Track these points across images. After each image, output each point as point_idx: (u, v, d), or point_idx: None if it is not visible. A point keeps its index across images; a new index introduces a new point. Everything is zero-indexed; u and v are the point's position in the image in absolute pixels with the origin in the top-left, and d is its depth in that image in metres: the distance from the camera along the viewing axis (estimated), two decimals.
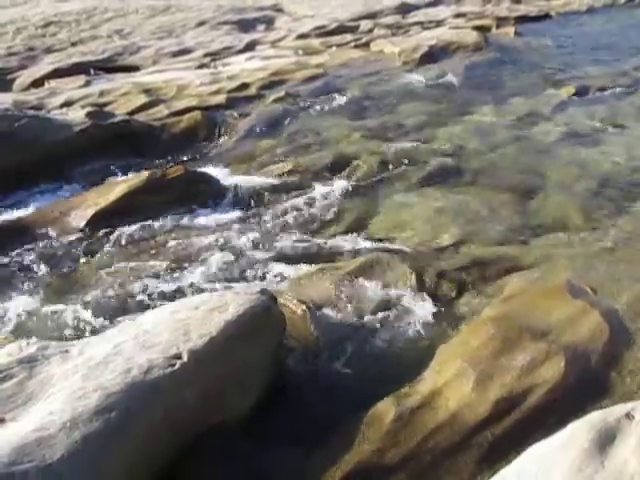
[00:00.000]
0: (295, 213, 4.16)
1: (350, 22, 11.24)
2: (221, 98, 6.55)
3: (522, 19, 11.12)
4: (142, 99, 6.50)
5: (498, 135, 5.48)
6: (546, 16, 11.63)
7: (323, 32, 10.51)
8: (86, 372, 2.03)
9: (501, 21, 10.63)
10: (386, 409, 2.22)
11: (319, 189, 4.48)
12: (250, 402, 2.25)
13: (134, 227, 3.95)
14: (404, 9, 12.36)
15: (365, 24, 10.99)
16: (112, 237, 3.86)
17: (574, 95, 6.53)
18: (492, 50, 8.48)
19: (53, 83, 7.77)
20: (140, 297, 3.20)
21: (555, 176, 4.55)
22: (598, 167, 4.70)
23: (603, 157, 4.90)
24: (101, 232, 3.90)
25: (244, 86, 7.00)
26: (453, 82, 7.20)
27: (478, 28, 9.55)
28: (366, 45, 9.22)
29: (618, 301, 2.72)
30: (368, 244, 3.67)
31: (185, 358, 2.11)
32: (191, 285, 3.29)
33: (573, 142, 5.29)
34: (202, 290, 3.20)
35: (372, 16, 11.79)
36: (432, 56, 8.14)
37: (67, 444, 1.76)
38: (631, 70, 7.44)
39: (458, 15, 11.45)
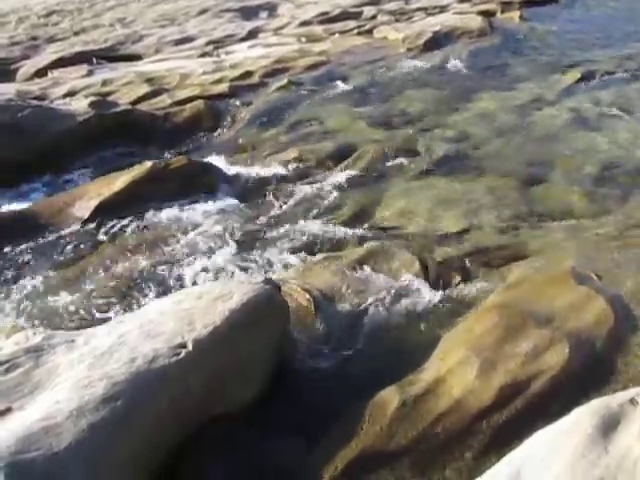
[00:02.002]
0: (298, 202, 4.15)
1: (353, 8, 11.12)
2: (224, 87, 6.51)
3: (527, 3, 10.94)
4: (145, 88, 6.48)
5: (503, 122, 5.44)
6: (552, 0, 11.47)
7: (326, 19, 10.41)
8: (92, 361, 2.05)
9: (506, 5, 10.48)
10: (390, 397, 2.22)
11: (323, 178, 4.47)
12: (253, 391, 2.27)
13: (138, 217, 3.95)
14: None
15: (368, 10, 10.88)
16: (116, 227, 3.86)
17: (580, 80, 6.45)
18: (497, 35, 8.39)
19: (56, 73, 7.75)
20: (144, 287, 3.22)
21: (560, 162, 4.52)
22: (604, 153, 4.67)
23: (609, 143, 4.86)
24: (105, 223, 3.91)
25: (247, 74, 6.96)
26: (457, 68, 7.14)
27: (483, 13, 9.43)
28: (369, 32, 9.13)
29: (623, 287, 2.71)
30: (372, 232, 3.66)
31: (190, 347, 2.12)
32: (194, 275, 3.30)
33: (578, 128, 5.24)
34: (206, 279, 3.21)
35: (375, 2, 11.65)
36: (436, 42, 8.06)
37: (74, 433, 1.77)
38: (638, 54, 7.34)
39: (462, 0, 11.31)
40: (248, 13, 11.46)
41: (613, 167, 4.41)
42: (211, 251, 3.53)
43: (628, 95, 6.01)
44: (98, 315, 2.97)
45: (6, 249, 3.70)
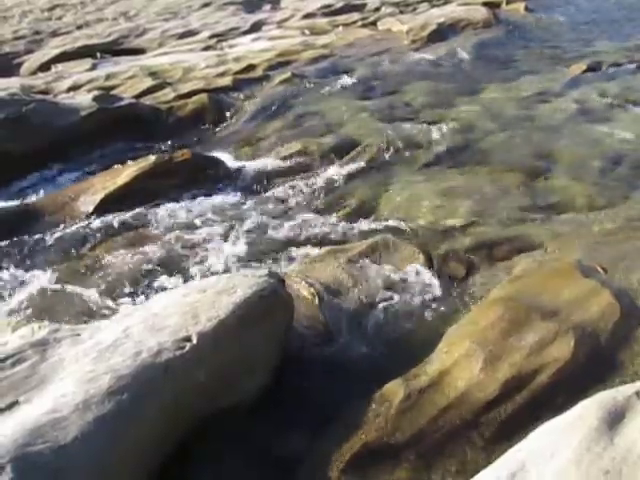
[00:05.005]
0: (303, 195, 4.15)
1: (357, 0, 11.06)
2: (227, 80, 6.49)
3: None
4: (148, 82, 6.47)
5: (508, 114, 5.41)
6: None
7: (330, 11, 10.36)
8: (97, 355, 2.06)
9: None
10: (395, 390, 2.23)
11: (327, 171, 4.46)
12: (257, 385, 2.27)
13: (142, 211, 3.96)
14: None
15: (372, 2, 10.81)
16: (121, 221, 3.87)
17: (586, 72, 6.41)
18: (502, 27, 8.34)
19: (60, 67, 7.75)
20: (149, 280, 3.23)
21: (566, 155, 4.50)
22: (609, 145, 4.64)
23: (615, 135, 4.83)
24: (110, 216, 3.91)
25: (250, 67, 6.94)
26: (462, 60, 7.10)
27: (487, 4, 9.36)
28: (373, 24, 9.09)
29: (629, 280, 2.70)
30: (376, 225, 3.66)
31: (194, 341, 2.12)
32: (199, 268, 3.30)
33: (584, 120, 5.21)
34: (210, 273, 3.21)
35: None
36: (440, 34, 8.02)
37: (80, 426, 1.78)
38: None
39: None
40: (251, 6, 11.41)
41: (619, 159, 4.38)
42: (215, 245, 3.53)
43: (635, 87, 5.96)
44: (103, 309, 2.98)
45: (11, 243, 3.71)
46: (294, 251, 3.42)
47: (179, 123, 5.57)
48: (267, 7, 11.41)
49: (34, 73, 7.84)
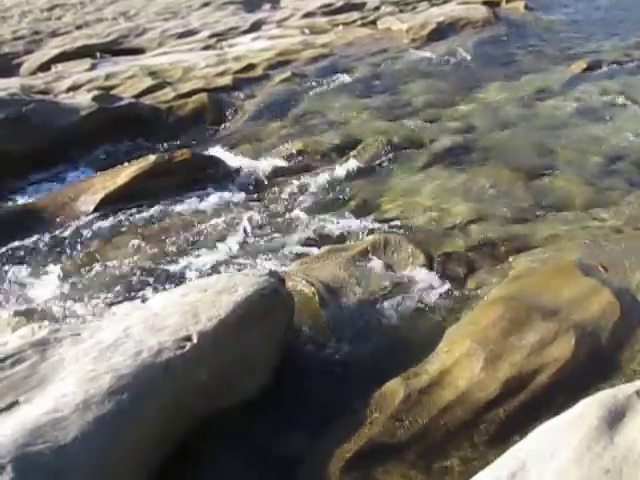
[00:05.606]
0: (303, 194, 4.15)
1: None
2: (227, 79, 6.49)
3: None
4: (148, 82, 6.46)
5: (508, 113, 5.41)
6: None
7: (329, 10, 10.35)
8: (97, 355, 2.06)
9: None
10: (396, 389, 2.23)
11: (327, 170, 4.45)
12: (258, 384, 2.27)
13: (142, 211, 3.96)
14: None
15: (372, 1, 10.80)
16: (120, 221, 3.87)
17: (586, 70, 6.40)
18: (501, 25, 8.33)
19: (59, 67, 7.75)
20: (149, 280, 3.22)
21: (566, 153, 4.49)
22: (610, 144, 4.63)
23: (615, 133, 4.83)
24: (110, 216, 3.91)
25: (250, 67, 6.94)
26: (462, 59, 7.09)
27: (487, 3, 9.34)
28: (373, 23, 9.08)
29: (629, 279, 2.70)
30: (377, 224, 3.66)
31: (195, 340, 2.12)
32: (200, 268, 3.30)
33: (584, 118, 5.20)
34: (211, 272, 3.21)
35: None
36: (440, 33, 8.01)
37: (80, 426, 1.78)
38: None
39: None
40: (251, 5, 11.40)
41: (619, 158, 4.37)
42: (215, 244, 3.53)
43: (635, 84, 5.95)
44: (103, 309, 2.98)
45: (11, 244, 3.70)
46: (294, 250, 3.42)
47: (179, 123, 5.56)
48: (267, 6, 11.39)
49: (34, 73, 7.83)
